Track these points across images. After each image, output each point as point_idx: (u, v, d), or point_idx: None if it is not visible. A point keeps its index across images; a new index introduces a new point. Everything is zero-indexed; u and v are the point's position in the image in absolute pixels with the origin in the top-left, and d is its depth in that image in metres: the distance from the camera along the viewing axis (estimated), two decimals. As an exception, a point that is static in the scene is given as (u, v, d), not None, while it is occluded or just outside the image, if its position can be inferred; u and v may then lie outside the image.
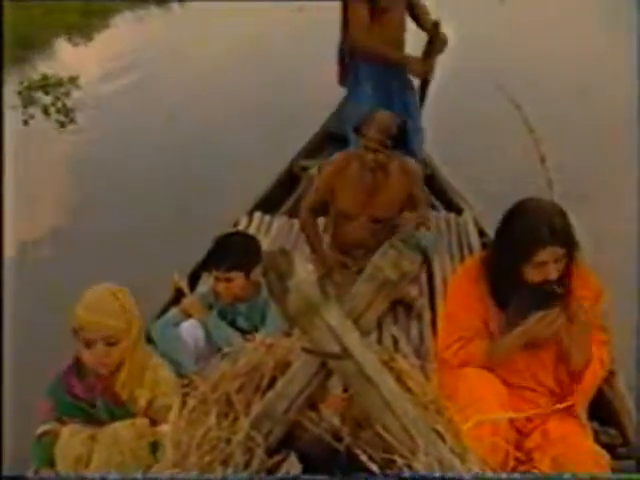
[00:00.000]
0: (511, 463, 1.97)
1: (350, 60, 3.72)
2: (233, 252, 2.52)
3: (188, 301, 2.68)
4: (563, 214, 1.98)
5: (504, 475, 1.17)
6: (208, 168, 5.20)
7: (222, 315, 2.63)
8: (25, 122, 6.43)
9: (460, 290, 2.19)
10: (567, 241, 1.96)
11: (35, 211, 4.63)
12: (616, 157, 4.92)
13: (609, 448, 2.24)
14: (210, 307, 2.65)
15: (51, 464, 2.07)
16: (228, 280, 2.53)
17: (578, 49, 7.13)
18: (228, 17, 8.44)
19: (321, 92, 4.43)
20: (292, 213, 4.03)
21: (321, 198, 3.16)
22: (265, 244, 3.55)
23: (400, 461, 1.09)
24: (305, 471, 1.17)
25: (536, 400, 2.12)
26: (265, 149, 5.12)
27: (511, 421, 1.98)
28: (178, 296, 2.94)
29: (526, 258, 1.95)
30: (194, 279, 3.29)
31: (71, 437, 2.05)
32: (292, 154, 4.51)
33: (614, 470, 2.09)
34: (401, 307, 3.16)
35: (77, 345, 2.05)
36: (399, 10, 3.63)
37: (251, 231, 3.77)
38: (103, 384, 2.09)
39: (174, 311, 2.69)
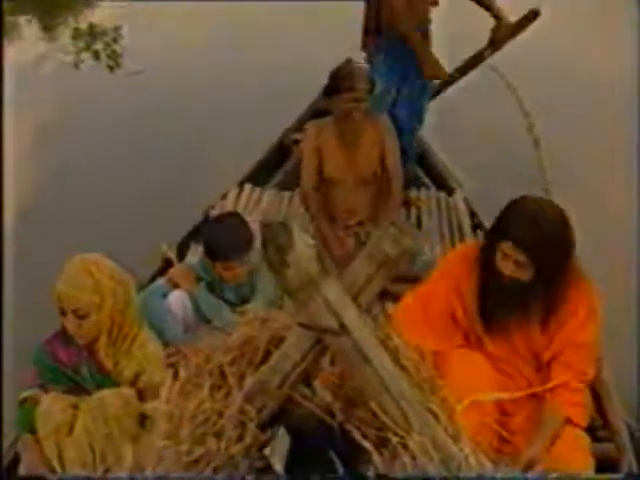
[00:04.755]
0: (496, 443, 1.98)
1: (374, 35, 3.66)
2: (240, 239, 2.49)
3: (176, 272, 2.65)
4: (545, 233, 1.90)
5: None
6: (197, 140, 5.13)
7: (210, 287, 2.60)
8: (76, 66, 7.09)
9: (444, 273, 2.18)
10: (536, 254, 1.90)
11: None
12: (615, 155, 4.93)
13: (589, 430, 2.26)
14: (199, 279, 2.62)
15: (32, 431, 2.06)
16: (232, 268, 2.51)
17: (577, 48, 7.10)
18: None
19: (311, 74, 4.37)
20: (282, 186, 3.99)
21: (315, 168, 3.11)
22: (255, 217, 3.51)
23: (394, 440, 1.08)
24: (297, 446, 1.16)
25: (523, 381, 2.13)
26: (255, 126, 5.06)
27: (497, 402, 1.99)
28: (166, 266, 2.92)
29: (493, 244, 1.97)
30: (182, 249, 3.25)
31: (52, 404, 2.02)
32: (271, 135, 4.45)
33: (594, 453, 2.11)
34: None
35: None
36: None
37: (241, 203, 3.73)
38: (88, 350, 2.07)
39: (162, 281, 2.65)
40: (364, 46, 3.77)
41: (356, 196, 3.10)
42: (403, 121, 3.65)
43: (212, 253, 2.52)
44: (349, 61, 3.04)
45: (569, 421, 2.04)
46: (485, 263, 2.02)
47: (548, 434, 2.00)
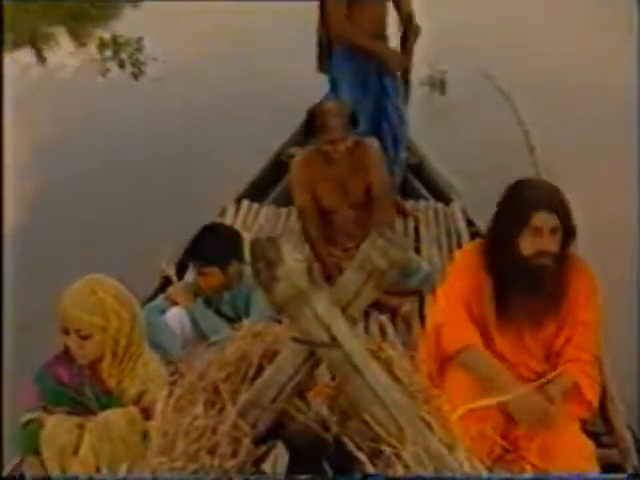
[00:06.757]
0: (497, 451, 1.97)
1: (327, 49, 3.67)
2: (207, 248, 2.54)
3: (174, 289, 2.69)
4: (561, 194, 2.01)
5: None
6: (193, 156, 5.17)
7: (207, 303, 2.64)
8: (103, 74, 7.66)
9: (456, 277, 2.19)
10: (564, 214, 1.97)
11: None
12: (614, 156, 4.94)
13: (594, 436, 2.26)
14: (196, 295, 2.64)
15: (37, 453, 2.06)
16: (204, 274, 2.54)
17: (576, 48, 7.13)
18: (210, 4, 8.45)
19: (306, 81, 4.40)
20: (280, 201, 4.01)
21: (310, 202, 3.08)
22: (253, 232, 3.53)
23: (388, 450, 1.08)
24: (292, 461, 1.16)
25: (531, 377, 2.13)
26: (251, 138, 5.08)
27: (500, 407, 1.98)
28: (165, 284, 2.93)
29: (522, 222, 1.96)
30: (181, 267, 3.26)
31: (56, 426, 2.03)
32: (278, 143, 4.47)
33: (598, 458, 2.10)
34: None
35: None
36: (379, 1, 3.56)
37: (239, 219, 3.75)
38: (91, 369, 2.07)
39: (160, 299, 2.69)
40: (321, 67, 3.77)
41: (353, 220, 3.10)
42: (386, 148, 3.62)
43: (186, 253, 2.59)
44: (323, 102, 3.00)
45: (574, 412, 2.05)
46: (507, 253, 2.01)
47: (556, 391, 2.01)
